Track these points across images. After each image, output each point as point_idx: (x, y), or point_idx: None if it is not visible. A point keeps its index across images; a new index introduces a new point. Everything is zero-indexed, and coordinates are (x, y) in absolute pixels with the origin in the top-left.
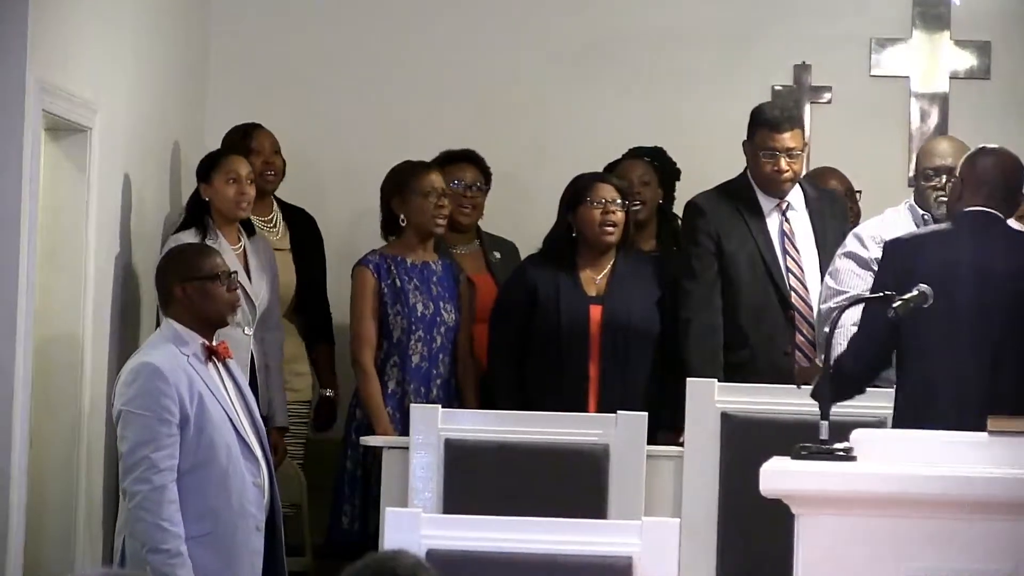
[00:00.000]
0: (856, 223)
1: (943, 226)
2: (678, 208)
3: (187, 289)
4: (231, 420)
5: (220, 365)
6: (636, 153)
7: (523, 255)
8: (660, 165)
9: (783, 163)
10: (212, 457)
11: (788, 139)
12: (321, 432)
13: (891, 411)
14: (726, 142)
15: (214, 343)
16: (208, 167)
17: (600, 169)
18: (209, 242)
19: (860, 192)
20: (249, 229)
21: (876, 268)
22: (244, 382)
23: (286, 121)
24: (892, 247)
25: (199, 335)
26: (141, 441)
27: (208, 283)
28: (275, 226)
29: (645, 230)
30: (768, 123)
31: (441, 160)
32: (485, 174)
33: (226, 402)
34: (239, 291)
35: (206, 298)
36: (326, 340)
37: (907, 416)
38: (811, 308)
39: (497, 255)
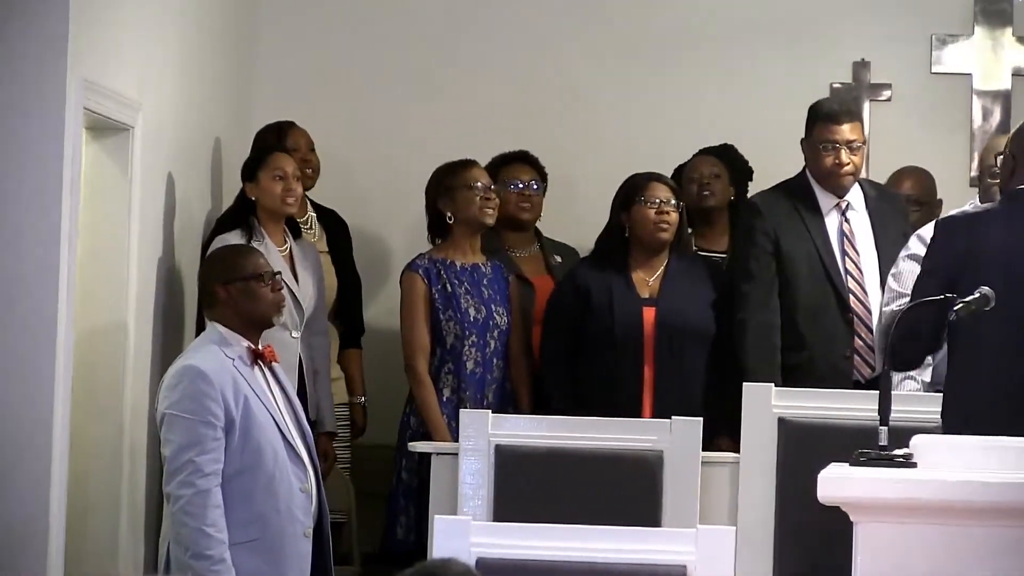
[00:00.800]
0: None
1: (996, 205)
2: None
3: (230, 290)
4: (277, 424)
5: (266, 369)
6: (706, 150)
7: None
8: (730, 162)
9: (844, 155)
10: (258, 462)
11: (848, 131)
12: (355, 439)
13: None
14: (783, 141)
15: (260, 346)
16: (254, 166)
17: (669, 169)
18: (255, 243)
19: (942, 201)
20: (295, 231)
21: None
22: (290, 386)
23: (329, 121)
24: (944, 226)
25: (244, 338)
26: (185, 444)
27: (251, 283)
28: (311, 228)
29: (717, 225)
30: (827, 116)
31: (496, 162)
32: (541, 174)
33: (272, 406)
34: (285, 292)
35: (250, 298)
36: (357, 344)
37: (954, 415)
38: (870, 311)
39: (558, 258)
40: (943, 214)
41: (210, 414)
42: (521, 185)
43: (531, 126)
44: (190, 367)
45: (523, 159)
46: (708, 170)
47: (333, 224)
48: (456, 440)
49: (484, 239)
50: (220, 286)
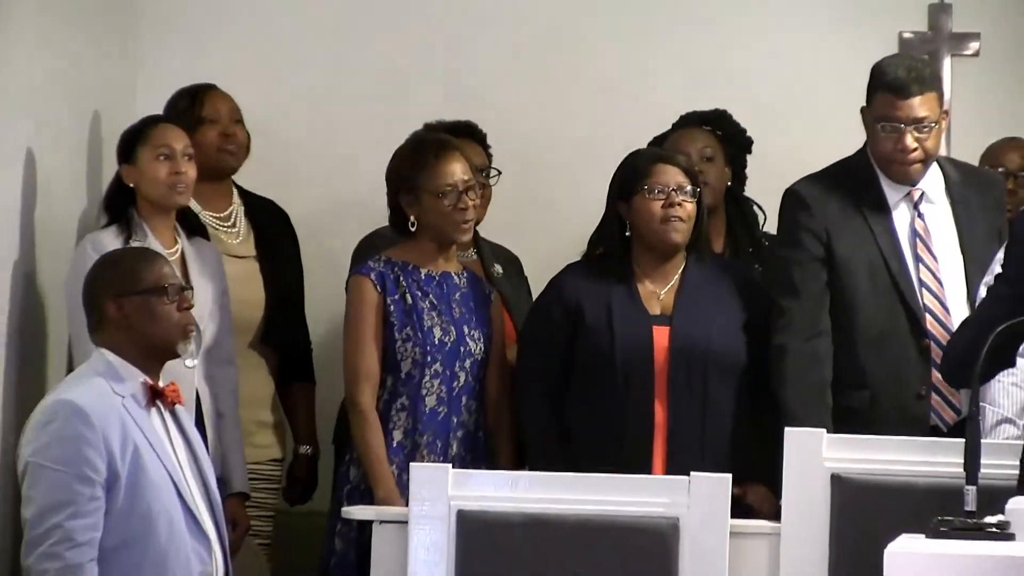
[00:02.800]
0: None
1: None
2: (752, 191)
3: (124, 306)
4: (176, 485)
5: (166, 412)
6: (691, 120)
7: (547, 271)
8: (724, 134)
9: (908, 139)
10: (148, 531)
11: (917, 106)
12: (297, 505)
13: None
14: (837, 109)
15: (160, 383)
16: (131, 141)
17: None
18: (135, 243)
19: None
20: (189, 227)
21: None
22: (197, 437)
23: (246, 87)
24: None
25: (140, 370)
26: (53, 504)
27: (152, 298)
28: (235, 225)
29: (711, 221)
30: (889, 85)
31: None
32: (489, 156)
33: (170, 460)
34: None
35: (149, 318)
36: (304, 378)
37: None
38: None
39: (499, 269)
40: None
41: (87, 466)
42: (474, 167)
43: (511, 88)
44: (65, 403)
45: (468, 132)
46: (698, 152)
47: (268, 218)
48: (406, 499)
49: None
50: (111, 301)
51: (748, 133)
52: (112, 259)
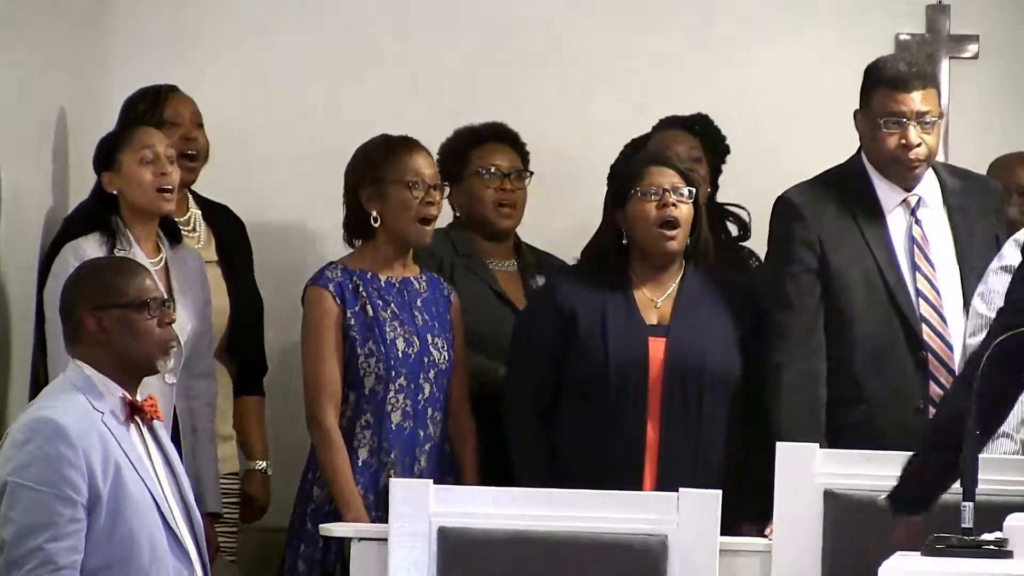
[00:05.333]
0: None
1: None
2: (745, 196)
3: (103, 320)
4: (157, 504)
5: (144, 428)
6: (672, 123)
7: None
8: (706, 141)
9: (913, 133)
10: (130, 554)
11: (919, 100)
12: (248, 522)
13: None
14: (835, 111)
15: (138, 397)
16: (111, 147)
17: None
18: (119, 252)
19: None
20: (172, 234)
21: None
22: (175, 454)
23: (216, 91)
24: None
25: (118, 385)
26: (34, 526)
27: (132, 313)
28: (195, 230)
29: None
30: (890, 80)
31: (462, 141)
32: (524, 158)
33: (151, 479)
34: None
35: (129, 333)
36: (256, 391)
37: None
38: (951, 347)
39: (540, 280)
40: None
41: (68, 486)
42: (502, 172)
43: (497, 88)
44: (45, 420)
45: (500, 137)
46: (685, 153)
47: (225, 225)
48: (379, 520)
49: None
50: (89, 313)
51: (728, 140)
52: (92, 269)
